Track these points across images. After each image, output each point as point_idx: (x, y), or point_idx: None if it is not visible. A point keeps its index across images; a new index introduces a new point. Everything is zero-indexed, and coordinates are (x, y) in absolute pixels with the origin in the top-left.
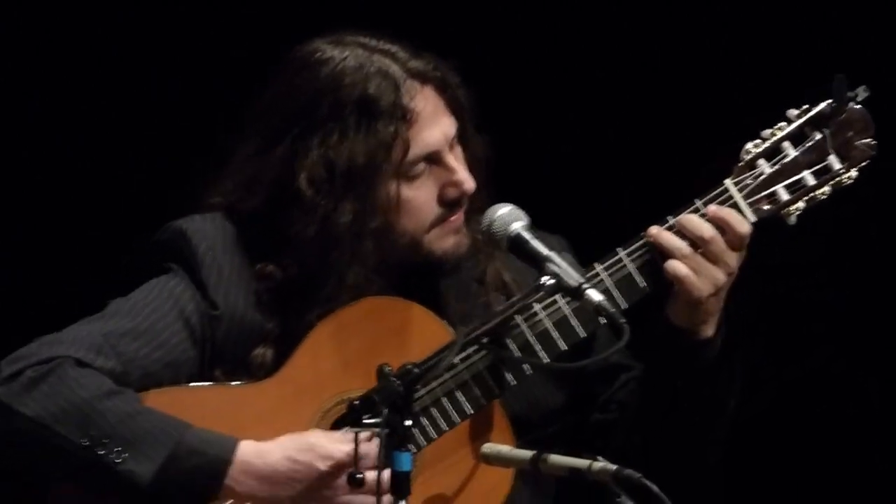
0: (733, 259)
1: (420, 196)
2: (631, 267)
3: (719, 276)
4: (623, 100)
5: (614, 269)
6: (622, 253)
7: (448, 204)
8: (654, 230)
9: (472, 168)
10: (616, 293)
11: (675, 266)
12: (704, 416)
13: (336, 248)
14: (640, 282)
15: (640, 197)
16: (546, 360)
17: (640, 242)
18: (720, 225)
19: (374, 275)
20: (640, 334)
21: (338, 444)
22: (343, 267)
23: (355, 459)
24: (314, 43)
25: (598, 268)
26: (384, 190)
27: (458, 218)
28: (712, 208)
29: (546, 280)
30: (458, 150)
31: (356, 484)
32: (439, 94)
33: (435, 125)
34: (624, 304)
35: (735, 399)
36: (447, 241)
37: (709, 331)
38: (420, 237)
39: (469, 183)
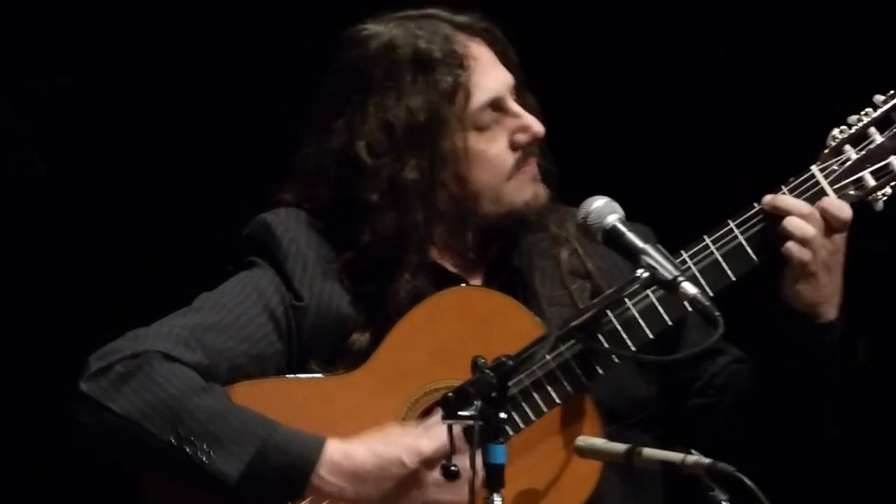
0: (840, 239)
1: (492, 147)
2: (718, 254)
3: (829, 245)
4: (706, 85)
5: (701, 256)
6: (708, 240)
7: (520, 149)
8: (769, 197)
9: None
10: (704, 281)
11: (796, 224)
12: (816, 403)
13: (408, 206)
14: (729, 269)
15: (724, 185)
16: (633, 348)
17: (730, 226)
18: (822, 216)
19: (455, 237)
20: (746, 320)
21: (423, 440)
22: (421, 226)
23: (451, 452)
24: (358, 25)
25: (685, 255)
26: (451, 142)
27: (532, 167)
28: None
29: (642, 273)
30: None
31: (451, 476)
32: (490, 46)
33: (494, 72)
34: (712, 293)
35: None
36: (527, 190)
37: (830, 313)
38: (500, 188)
39: (537, 125)
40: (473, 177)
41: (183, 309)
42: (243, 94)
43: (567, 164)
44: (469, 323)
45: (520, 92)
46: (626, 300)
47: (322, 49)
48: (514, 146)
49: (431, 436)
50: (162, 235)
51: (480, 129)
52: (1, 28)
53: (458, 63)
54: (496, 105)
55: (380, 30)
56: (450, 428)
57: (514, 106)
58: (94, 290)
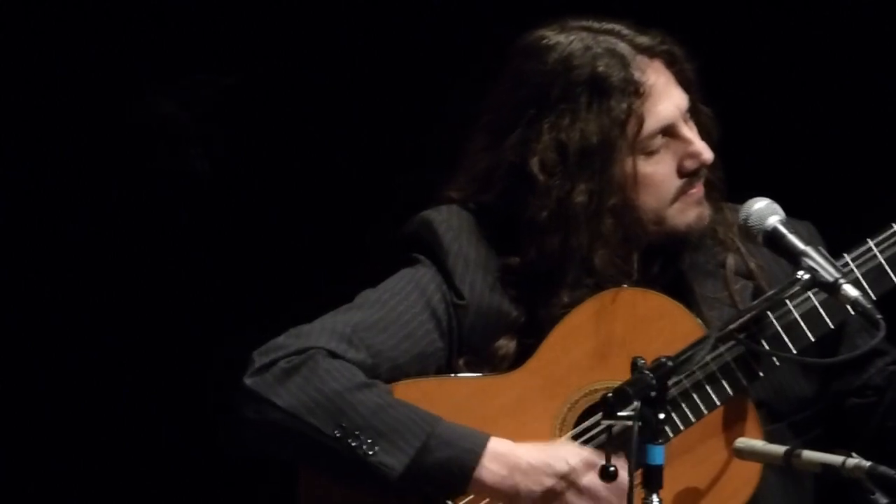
0: None
1: (660, 170)
2: (882, 257)
3: None
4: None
5: (864, 259)
6: (872, 243)
7: (687, 175)
8: None
9: (704, 141)
10: (867, 284)
11: None
12: None
13: (574, 229)
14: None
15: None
16: (794, 351)
17: (891, 232)
18: None
19: (617, 257)
20: None
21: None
22: (585, 249)
23: (607, 453)
24: (538, 31)
25: (847, 258)
26: (621, 167)
27: (698, 189)
28: None
29: (802, 275)
30: (691, 122)
31: (609, 477)
32: (668, 67)
33: (667, 98)
34: (874, 296)
35: None
36: (690, 213)
37: None
38: (663, 212)
39: (707, 153)
40: (640, 201)
41: (345, 306)
42: (407, 89)
43: (731, 163)
44: (629, 324)
45: (695, 109)
46: (788, 302)
47: (490, 44)
48: (681, 172)
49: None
50: (324, 231)
51: (649, 153)
52: (167, 28)
53: (634, 90)
54: (667, 131)
55: (559, 41)
56: (609, 428)
57: (685, 132)
58: (256, 286)
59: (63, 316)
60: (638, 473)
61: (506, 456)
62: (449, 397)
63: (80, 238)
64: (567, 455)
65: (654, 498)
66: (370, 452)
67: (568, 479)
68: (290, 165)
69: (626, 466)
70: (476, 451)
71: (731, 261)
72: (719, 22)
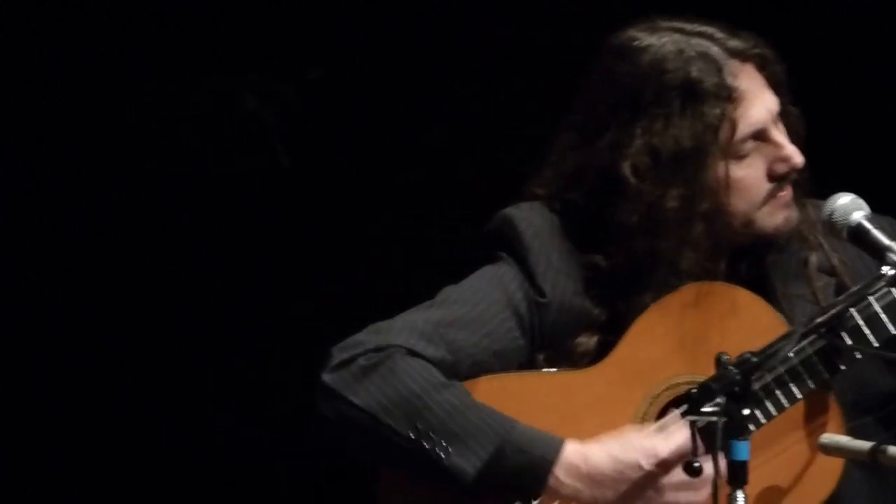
0: None
1: (750, 174)
2: None
3: None
4: None
5: None
6: None
7: (777, 179)
8: None
9: (794, 142)
10: None
11: None
12: None
13: (665, 234)
14: None
15: None
16: (875, 344)
17: None
18: None
19: (705, 259)
20: None
21: (660, 442)
22: (674, 253)
23: (694, 449)
24: (629, 31)
25: None
26: (712, 172)
27: (787, 192)
28: None
29: (888, 271)
30: (781, 125)
31: (694, 473)
32: (760, 70)
33: (759, 102)
34: None
35: None
36: (778, 216)
37: None
38: (752, 215)
39: (798, 157)
40: (730, 205)
41: (426, 303)
42: (488, 85)
43: (813, 158)
44: (712, 318)
45: (784, 110)
46: (870, 297)
47: (573, 43)
48: (771, 176)
49: (668, 438)
50: (405, 228)
51: (741, 157)
52: (250, 23)
53: (727, 96)
54: (758, 135)
55: (651, 42)
56: (693, 424)
57: (777, 136)
58: (335, 281)
59: (62, 316)
60: (721, 468)
61: (580, 463)
62: (530, 393)
63: (81, 238)
64: (642, 458)
65: (739, 494)
66: (444, 455)
67: (648, 478)
68: (372, 160)
69: (709, 463)
70: (550, 458)
71: (813, 258)
72: (800, 16)
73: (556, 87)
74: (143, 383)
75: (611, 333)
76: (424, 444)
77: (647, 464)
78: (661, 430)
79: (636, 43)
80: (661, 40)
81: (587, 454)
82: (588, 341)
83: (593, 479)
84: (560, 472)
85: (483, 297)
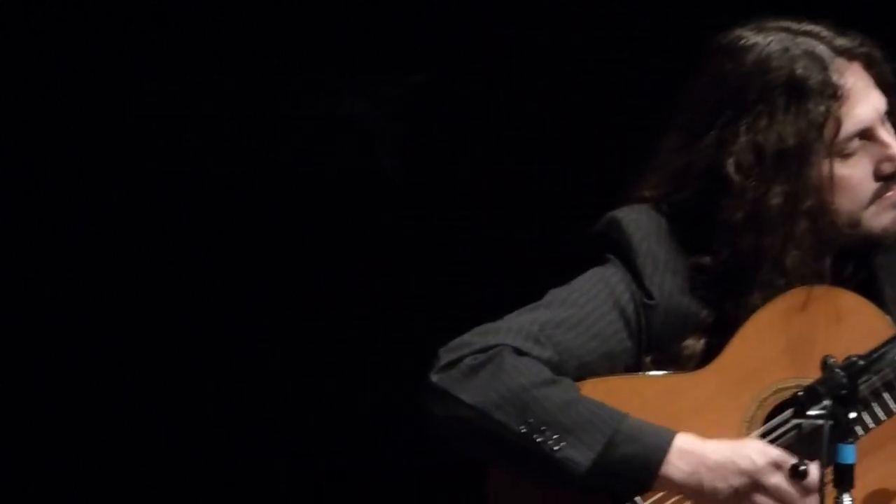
0: None
1: (856, 174)
2: None
3: None
4: None
5: None
6: None
7: (884, 179)
8: None
9: None
10: None
11: None
12: None
13: (769, 231)
14: None
15: None
16: None
17: None
18: None
19: (810, 259)
20: None
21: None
22: (778, 250)
23: (799, 452)
24: (736, 31)
25: None
26: (817, 170)
27: (895, 193)
28: None
29: None
30: (889, 125)
31: (799, 476)
32: (866, 70)
33: (866, 101)
34: None
35: None
36: (886, 216)
37: None
38: (858, 215)
39: None
40: (835, 204)
41: (533, 304)
42: (594, 88)
43: None
44: (819, 322)
45: (893, 111)
46: None
47: (673, 44)
48: (878, 175)
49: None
50: (511, 231)
51: (846, 156)
52: (356, 26)
53: (832, 94)
54: (864, 134)
55: (757, 41)
56: (799, 427)
57: (884, 135)
58: (443, 284)
59: (62, 316)
60: (828, 472)
61: (692, 453)
62: (636, 395)
63: (80, 238)
64: (754, 453)
65: (846, 497)
66: (556, 448)
67: (755, 478)
68: (477, 163)
69: (814, 466)
70: (662, 447)
71: None
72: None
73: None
74: (142, 383)
75: (718, 336)
76: (536, 438)
77: (759, 460)
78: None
79: (742, 42)
80: (766, 39)
81: (699, 445)
82: (695, 344)
83: (706, 465)
84: (673, 458)
85: (590, 299)
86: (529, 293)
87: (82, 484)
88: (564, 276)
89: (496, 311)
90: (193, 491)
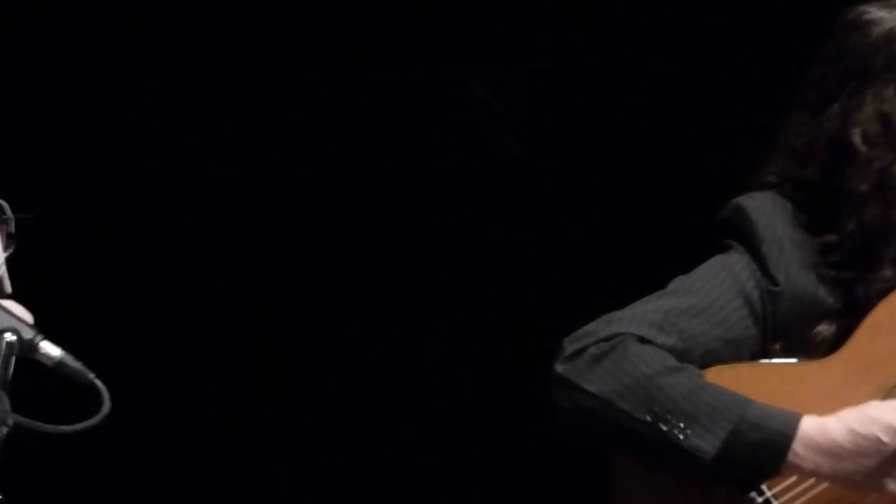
0: None
1: None
2: None
3: None
4: None
5: None
6: None
7: None
8: None
9: None
10: None
11: None
12: None
13: (895, 200)
14: None
15: None
16: None
17: None
18: None
19: None
20: None
21: None
22: None
23: None
24: (861, 7)
25: None
26: None
27: None
28: None
29: None
30: None
31: None
32: None
33: None
34: None
35: None
36: None
37: None
38: None
39: None
40: None
41: (657, 292)
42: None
43: None
44: None
45: None
46: None
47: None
48: None
49: None
50: (634, 218)
51: None
52: (483, 14)
53: None
54: None
55: (882, 16)
56: None
57: None
58: (443, 284)
59: (63, 316)
60: None
61: (817, 438)
62: (762, 383)
63: (80, 238)
64: (884, 433)
65: None
66: (682, 436)
67: (886, 459)
68: (603, 149)
69: None
70: (789, 432)
71: None
72: None
73: None
74: (142, 383)
75: (848, 319)
76: (662, 426)
77: (886, 438)
78: None
79: (867, 16)
80: (892, 14)
81: (825, 427)
82: (826, 329)
83: (832, 452)
84: (798, 447)
85: (715, 286)
86: (656, 281)
87: (82, 484)
88: (689, 263)
89: (496, 310)
90: (193, 491)
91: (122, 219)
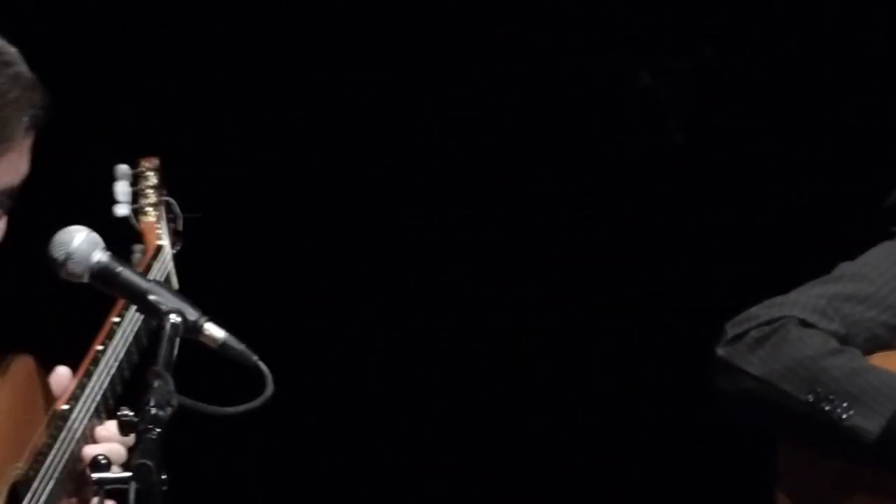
0: None
1: None
2: None
3: None
4: None
5: None
6: None
7: None
8: None
9: None
10: None
11: None
12: None
13: None
14: None
15: None
16: None
17: None
18: None
19: None
20: None
21: None
22: None
23: None
24: None
25: None
26: None
27: None
28: None
29: None
30: None
31: None
32: None
33: None
34: None
35: None
36: None
37: None
38: None
39: None
40: None
41: (822, 278)
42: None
43: None
44: None
45: None
46: None
47: None
48: None
49: None
50: (634, 218)
51: None
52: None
53: None
54: None
55: None
56: None
57: None
58: (443, 284)
59: (63, 316)
60: None
61: None
62: None
63: None
64: None
65: None
66: (844, 416)
67: None
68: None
69: None
70: None
71: None
72: None
73: None
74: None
75: None
76: (824, 406)
77: None
78: None
79: None
80: None
81: None
82: None
83: None
84: None
85: (882, 273)
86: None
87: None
88: (855, 249)
89: (496, 310)
90: (193, 491)
91: (121, 218)
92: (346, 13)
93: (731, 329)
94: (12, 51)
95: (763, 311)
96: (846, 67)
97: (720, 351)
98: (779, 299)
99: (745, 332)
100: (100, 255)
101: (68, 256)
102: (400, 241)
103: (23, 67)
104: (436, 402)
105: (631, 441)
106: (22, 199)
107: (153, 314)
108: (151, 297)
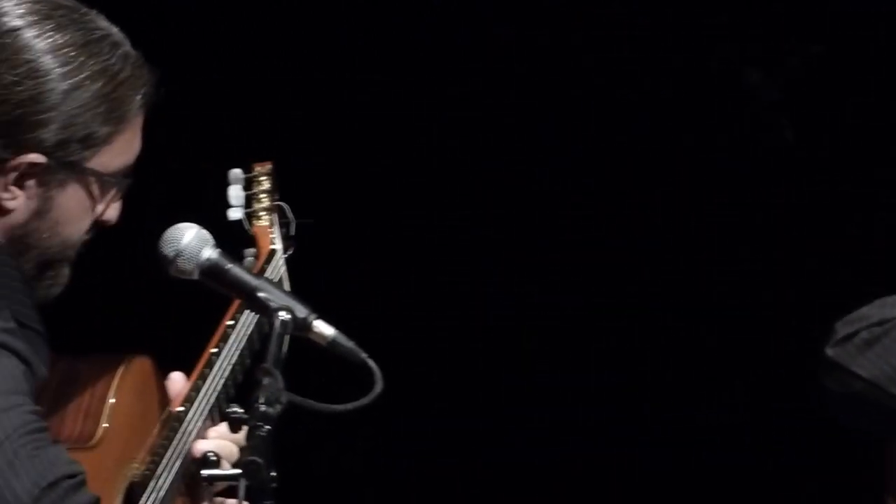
0: None
1: None
2: None
3: None
4: None
5: None
6: None
7: None
8: None
9: None
10: None
11: None
12: None
13: None
14: None
15: None
16: None
17: None
18: None
19: None
20: None
21: None
22: None
23: None
24: None
25: None
26: None
27: None
28: None
29: None
30: None
31: None
32: None
33: None
34: None
35: None
36: None
37: None
38: None
39: None
40: None
41: None
42: None
43: None
44: None
45: None
46: None
47: None
48: None
49: None
50: (634, 218)
51: None
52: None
53: None
54: None
55: None
56: None
57: None
58: (443, 284)
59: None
60: None
61: None
62: None
63: None
64: None
65: None
66: None
67: None
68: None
69: None
70: None
71: None
72: None
73: None
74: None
75: None
76: None
77: None
78: None
79: None
80: None
81: None
82: None
83: None
84: None
85: None
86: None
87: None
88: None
89: (496, 310)
90: (303, 488)
91: (122, 218)
92: (346, 13)
93: (842, 329)
94: (117, 31)
95: (874, 311)
96: (846, 68)
97: (829, 351)
98: (890, 299)
99: (856, 333)
100: (210, 252)
101: (178, 253)
102: (400, 241)
103: (129, 47)
104: (436, 402)
105: (631, 441)
106: (137, 206)
107: (262, 311)
108: (261, 294)
